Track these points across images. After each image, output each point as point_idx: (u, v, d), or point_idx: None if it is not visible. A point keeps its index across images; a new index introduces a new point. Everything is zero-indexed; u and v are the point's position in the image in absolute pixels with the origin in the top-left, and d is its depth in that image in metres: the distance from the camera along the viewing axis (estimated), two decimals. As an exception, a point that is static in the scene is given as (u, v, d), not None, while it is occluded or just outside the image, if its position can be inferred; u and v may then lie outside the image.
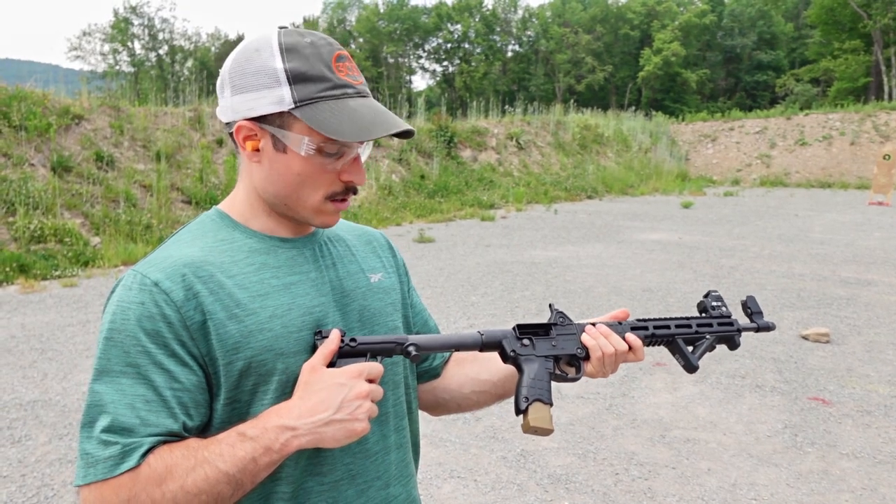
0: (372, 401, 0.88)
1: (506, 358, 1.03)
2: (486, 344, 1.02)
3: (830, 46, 39.96)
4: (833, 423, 3.97)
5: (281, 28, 0.94)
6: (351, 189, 0.97)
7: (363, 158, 0.98)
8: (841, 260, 9.27)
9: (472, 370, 1.18)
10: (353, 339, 0.93)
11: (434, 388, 1.20)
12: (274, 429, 0.83)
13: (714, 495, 3.15)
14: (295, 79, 0.89)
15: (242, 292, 0.91)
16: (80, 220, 9.54)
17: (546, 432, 0.94)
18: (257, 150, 0.93)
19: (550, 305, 1.10)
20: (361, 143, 0.94)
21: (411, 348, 0.95)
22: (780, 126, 27.08)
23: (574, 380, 1.05)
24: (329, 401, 0.85)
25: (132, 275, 0.89)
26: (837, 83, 38.81)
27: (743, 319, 1.19)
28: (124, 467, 0.80)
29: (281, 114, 0.90)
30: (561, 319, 1.08)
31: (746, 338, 1.21)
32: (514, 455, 3.54)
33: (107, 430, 0.81)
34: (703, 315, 1.16)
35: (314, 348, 0.92)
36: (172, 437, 0.83)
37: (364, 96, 0.94)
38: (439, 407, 1.21)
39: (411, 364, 1.13)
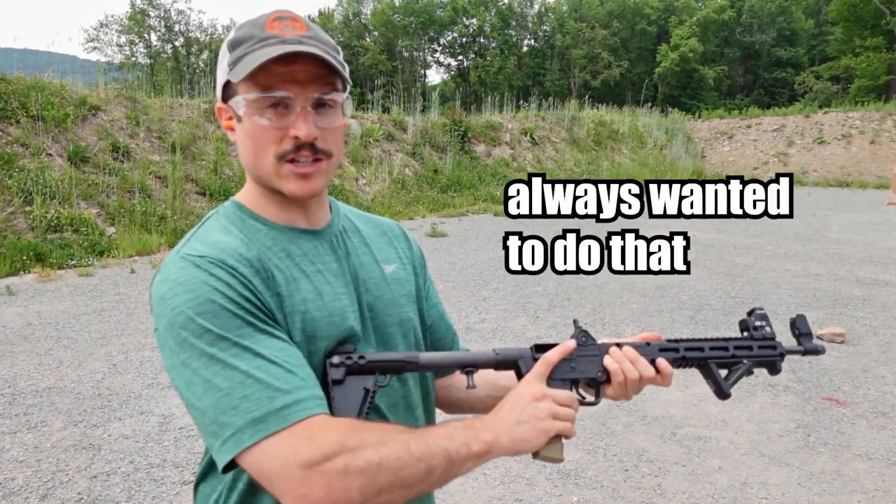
0: (558, 402, 0.91)
1: (521, 379, 1.00)
2: (501, 363, 0.98)
3: (851, 43, 39.34)
4: (847, 423, 3.93)
5: None
6: (303, 146, 0.91)
7: (340, 121, 0.95)
8: (858, 260, 9.15)
9: (490, 373, 1.16)
10: (361, 357, 0.91)
11: (448, 387, 1.20)
12: (480, 424, 0.88)
13: (724, 493, 3.13)
14: (232, 46, 0.94)
15: (279, 274, 0.92)
16: (95, 210, 9.63)
17: (556, 461, 0.91)
18: (232, 129, 0.98)
19: (575, 322, 1.05)
20: (306, 95, 0.90)
21: (419, 363, 0.95)
22: (798, 124, 26.76)
23: (592, 404, 1.01)
24: (513, 408, 0.91)
25: (189, 258, 0.87)
26: (858, 81, 38.20)
27: (788, 340, 1.11)
28: (305, 414, 0.79)
29: (230, 84, 0.94)
30: (584, 339, 1.02)
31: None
32: (524, 450, 3.54)
33: (262, 384, 0.79)
34: (745, 335, 1.09)
35: (325, 371, 0.91)
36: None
37: (292, 43, 0.89)
38: (453, 406, 1.21)
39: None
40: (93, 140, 10.84)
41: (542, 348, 1.00)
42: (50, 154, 9.99)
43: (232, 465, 0.80)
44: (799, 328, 1.11)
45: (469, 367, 0.97)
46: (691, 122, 29.58)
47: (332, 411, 0.86)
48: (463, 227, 12.11)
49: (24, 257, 7.88)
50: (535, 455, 0.91)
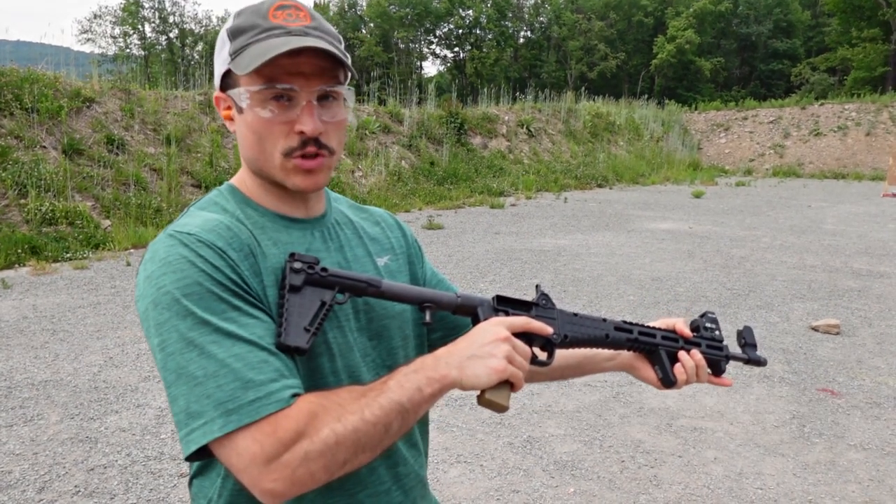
0: (516, 350, 0.90)
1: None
2: (461, 307, 0.99)
3: (848, 35, 39.30)
4: (841, 414, 3.95)
5: None
6: (308, 142, 0.91)
7: (343, 115, 0.95)
8: (853, 251, 9.18)
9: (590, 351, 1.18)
10: (324, 269, 0.90)
11: None
12: (431, 361, 0.87)
13: (720, 484, 3.14)
14: (233, 34, 0.92)
15: (264, 262, 0.91)
16: (90, 203, 9.59)
17: (500, 409, 0.90)
18: (231, 119, 0.96)
19: (537, 286, 1.07)
20: (310, 88, 0.89)
21: (380, 289, 0.94)
22: (794, 116, 26.77)
23: (543, 364, 1.01)
24: (472, 343, 0.89)
25: (177, 236, 0.86)
26: (854, 72, 38.21)
27: (735, 348, 1.19)
28: (275, 408, 0.78)
29: (230, 74, 0.92)
30: (544, 301, 1.04)
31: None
32: (521, 441, 3.55)
33: (249, 366, 0.79)
34: (695, 334, 1.16)
35: (284, 273, 0.89)
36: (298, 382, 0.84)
37: (297, 35, 0.89)
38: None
39: (419, 345, 1.13)
40: (87, 132, 10.78)
41: (503, 300, 1.01)
42: (44, 146, 9.93)
43: (195, 455, 0.80)
44: (745, 338, 1.19)
45: (429, 303, 0.97)
46: (688, 113, 29.58)
47: (285, 316, 0.85)
48: (459, 219, 12.11)
49: (19, 250, 7.84)
50: (481, 398, 0.90)
